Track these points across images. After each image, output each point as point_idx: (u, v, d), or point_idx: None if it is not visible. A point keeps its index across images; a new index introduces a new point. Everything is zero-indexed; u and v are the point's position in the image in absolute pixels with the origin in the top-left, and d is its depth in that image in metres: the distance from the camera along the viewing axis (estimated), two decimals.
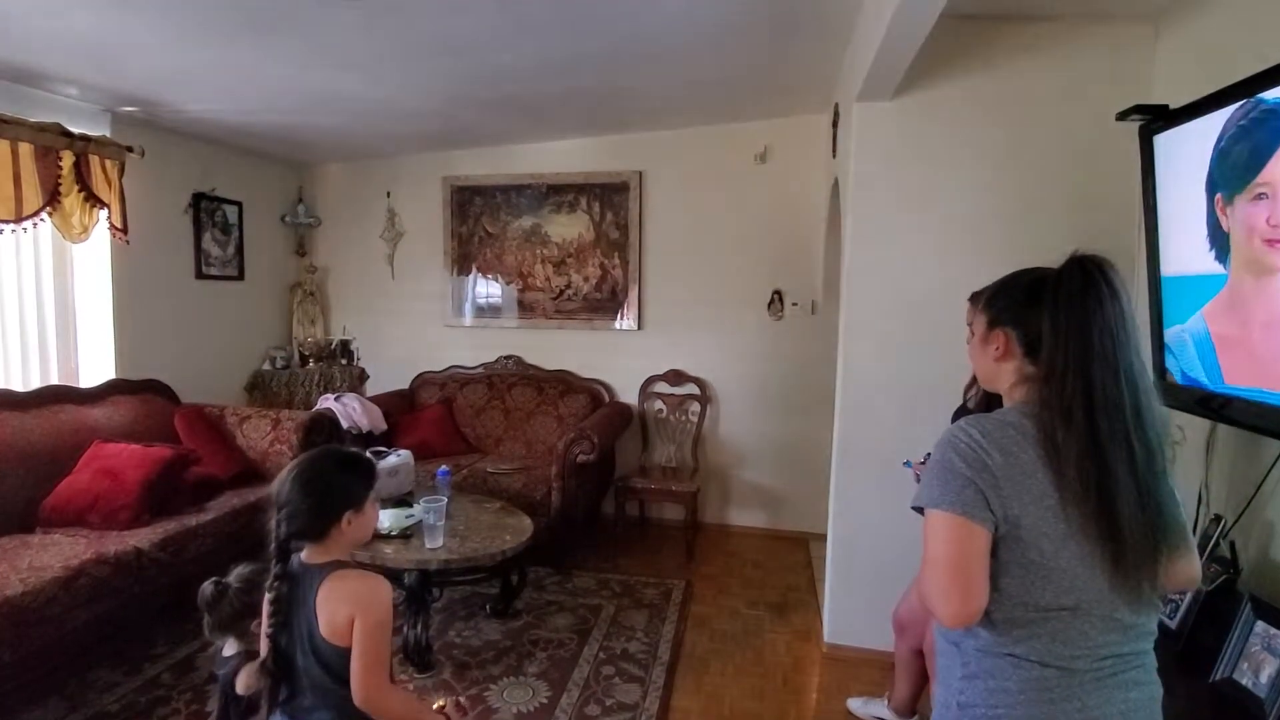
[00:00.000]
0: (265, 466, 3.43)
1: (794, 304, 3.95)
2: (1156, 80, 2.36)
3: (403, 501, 2.80)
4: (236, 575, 1.63)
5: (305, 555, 1.31)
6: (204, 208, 3.84)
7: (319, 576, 1.28)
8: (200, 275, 3.85)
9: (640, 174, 4.08)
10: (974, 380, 1.98)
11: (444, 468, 3.14)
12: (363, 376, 4.62)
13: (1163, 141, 1.97)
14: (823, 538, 4.00)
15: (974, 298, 1.97)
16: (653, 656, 2.69)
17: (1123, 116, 2.05)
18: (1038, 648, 0.97)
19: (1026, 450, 0.97)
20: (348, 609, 1.25)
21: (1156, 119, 1.97)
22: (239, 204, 4.09)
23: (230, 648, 1.59)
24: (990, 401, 1.79)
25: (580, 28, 2.61)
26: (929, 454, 2.18)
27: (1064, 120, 2.45)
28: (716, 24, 2.63)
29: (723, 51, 2.94)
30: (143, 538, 2.58)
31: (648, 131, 4.07)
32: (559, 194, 4.20)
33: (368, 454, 1.48)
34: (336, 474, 1.33)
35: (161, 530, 2.66)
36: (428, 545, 2.53)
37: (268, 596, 1.30)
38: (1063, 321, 0.97)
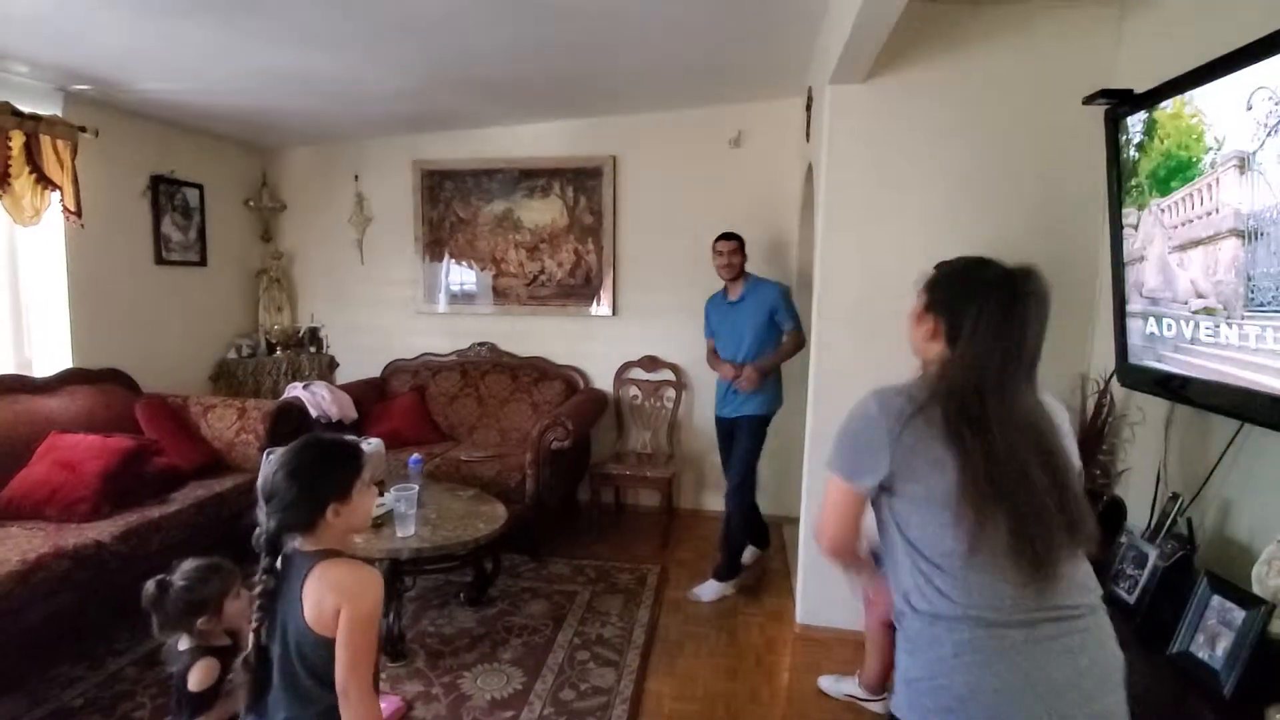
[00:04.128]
0: (231, 457, 3.37)
1: None
2: (1122, 63, 2.38)
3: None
4: (180, 572, 1.60)
5: (299, 544, 1.29)
6: (163, 191, 3.72)
7: (309, 563, 1.26)
8: (160, 261, 3.73)
9: (614, 158, 4.04)
10: None
11: (416, 456, 3.09)
12: (332, 365, 4.54)
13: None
14: (796, 521, 4.05)
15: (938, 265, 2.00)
16: (627, 641, 2.69)
17: (1089, 100, 2.07)
18: (959, 601, 1.02)
19: (918, 420, 1.06)
20: (334, 598, 1.22)
21: (1122, 103, 2.00)
22: (200, 187, 3.97)
23: (184, 643, 1.55)
24: None
25: (553, 8, 2.55)
26: None
27: (1032, 102, 2.47)
28: (689, 5, 2.59)
29: (696, 33, 2.91)
30: (103, 530, 2.51)
31: (621, 115, 4.02)
32: (531, 179, 4.15)
33: (358, 440, 1.46)
34: (320, 464, 1.31)
35: (122, 523, 2.59)
36: (399, 534, 2.50)
37: (255, 590, 1.28)
38: (985, 323, 1.07)
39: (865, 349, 2.66)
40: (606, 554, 3.51)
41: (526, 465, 3.39)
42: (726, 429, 3.29)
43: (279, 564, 1.29)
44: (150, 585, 1.53)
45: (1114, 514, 2.01)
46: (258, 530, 1.28)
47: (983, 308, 1.07)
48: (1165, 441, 1.98)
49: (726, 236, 3.22)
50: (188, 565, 1.58)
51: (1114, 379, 2.17)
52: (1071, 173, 2.46)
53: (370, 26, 2.68)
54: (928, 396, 1.07)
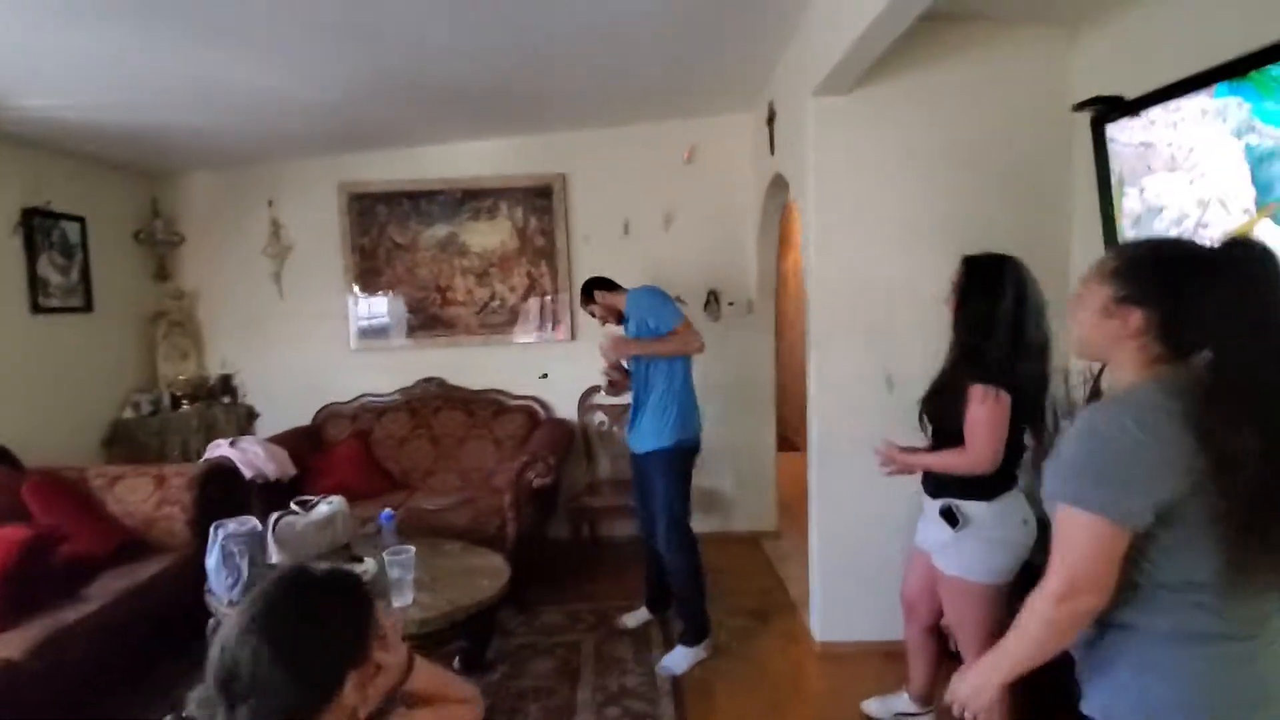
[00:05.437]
0: (151, 535, 2.85)
1: (730, 304, 3.92)
2: (1075, 76, 2.53)
3: (352, 557, 2.41)
4: (197, 702, 1.17)
5: None
6: (38, 226, 3.13)
7: None
8: (37, 309, 3.13)
9: (563, 176, 3.87)
10: (956, 345, 1.95)
11: (387, 510, 2.75)
12: (250, 415, 4.01)
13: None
14: (773, 535, 4.03)
15: (964, 259, 2.00)
16: (654, 688, 2.50)
17: (1079, 107, 2.18)
18: (1202, 620, 0.97)
19: (1185, 436, 0.95)
20: None
21: (1110, 109, 2.12)
22: (81, 220, 3.38)
23: None
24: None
25: (513, 13, 2.36)
26: None
27: (995, 111, 2.57)
28: (653, 18, 2.49)
29: (656, 47, 2.82)
30: (11, 646, 2.01)
31: (566, 132, 3.86)
32: (476, 200, 3.88)
33: (345, 566, 1.09)
34: (316, 620, 0.89)
35: (34, 633, 2.09)
36: (395, 604, 2.18)
37: None
38: (1239, 314, 0.93)
39: (862, 358, 2.66)
40: (597, 595, 3.28)
41: (506, 508, 3.11)
42: (639, 468, 2.84)
43: None
44: None
45: None
46: None
47: (1234, 295, 0.93)
48: None
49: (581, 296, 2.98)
50: (200, 692, 1.14)
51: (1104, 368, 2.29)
52: (1038, 176, 2.59)
53: (313, 28, 2.37)
54: (1184, 406, 0.95)
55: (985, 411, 1.71)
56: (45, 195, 3.18)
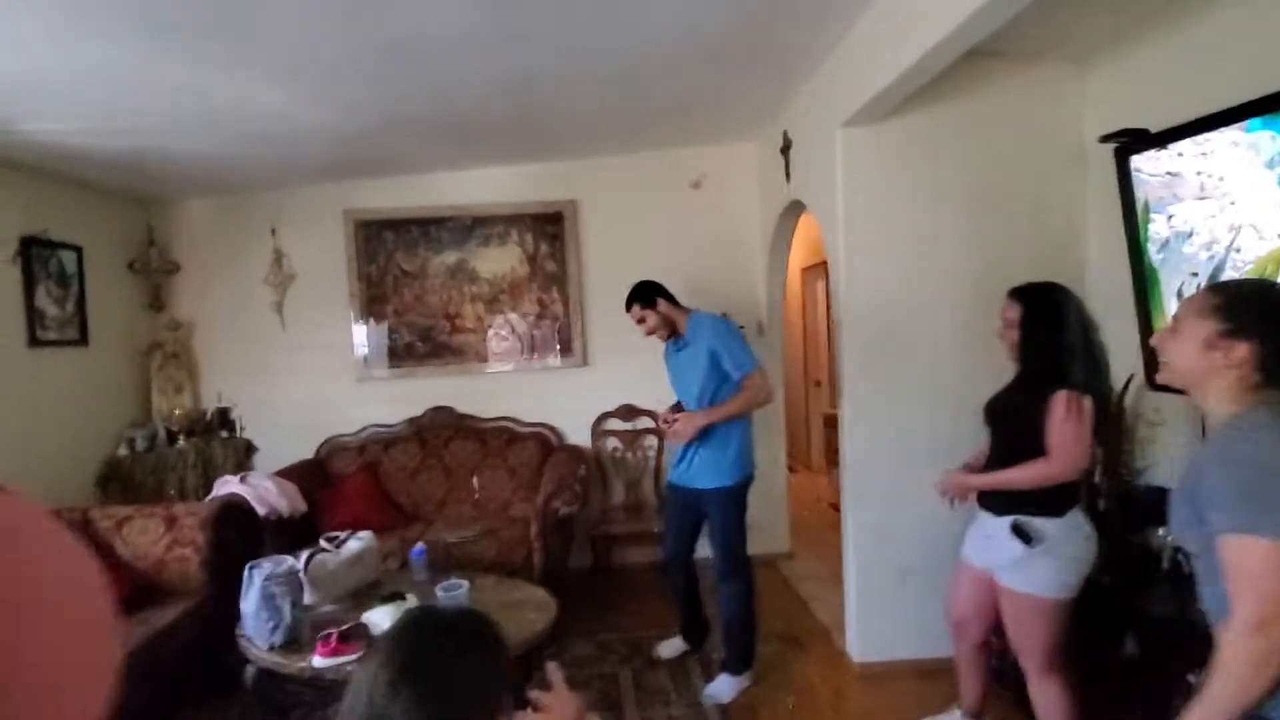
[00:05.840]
0: (163, 578, 2.71)
1: (741, 327, 3.94)
2: (1086, 110, 2.68)
3: (394, 595, 2.33)
4: None
5: None
6: (35, 255, 2.98)
7: None
8: (34, 342, 2.97)
9: (574, 203, 3.89)
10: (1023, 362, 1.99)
11: (419, 546, 2.70)
12: (249, 449, 3.86)
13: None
14: (787, 557, 4.04)
15: (1015, 293, 2.06)
16: (700, 717, 2.47)
17: (1106, 139, 2.30)
18: None
19: None
20: None
21: (1135, 141, 2.24)
22: (78, 249, 3.24)
23: None
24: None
25: (554, 35, 2.36)
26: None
27: (1011, 144, 2.70)
28: (685, 47, 2.54)
29: (677, 78, 2.88)
30: None
31: (578, 159, 3.89)
32: (486, 226, 3.86)
33: (472, 608, 1.07)
34: (460, 661, 0.86)
35: None
36: None
37: None
38: None
39: (893, 376, 2.72)
40: (624, 624, 3.24)
41: (533, 537, 3.06)
42: (684, 500, 2.75)
43: None
44: None
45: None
46: None
47: None
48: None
49: (628, 304, 2.75)
50: None
51: (1129, 385, 2.40)
52: (1053, 204, 2.71)
53: (364, 52, 2.34)
54: None
55: (1073, 416, 1.77)
56: (43, 223, 3.04)
